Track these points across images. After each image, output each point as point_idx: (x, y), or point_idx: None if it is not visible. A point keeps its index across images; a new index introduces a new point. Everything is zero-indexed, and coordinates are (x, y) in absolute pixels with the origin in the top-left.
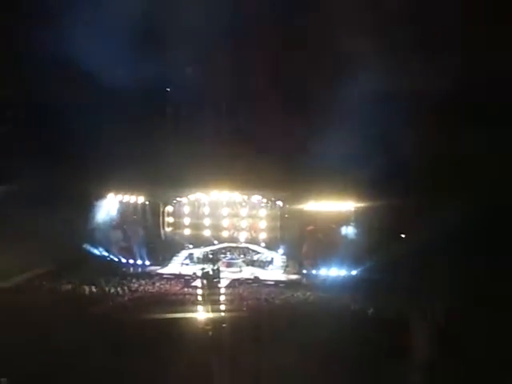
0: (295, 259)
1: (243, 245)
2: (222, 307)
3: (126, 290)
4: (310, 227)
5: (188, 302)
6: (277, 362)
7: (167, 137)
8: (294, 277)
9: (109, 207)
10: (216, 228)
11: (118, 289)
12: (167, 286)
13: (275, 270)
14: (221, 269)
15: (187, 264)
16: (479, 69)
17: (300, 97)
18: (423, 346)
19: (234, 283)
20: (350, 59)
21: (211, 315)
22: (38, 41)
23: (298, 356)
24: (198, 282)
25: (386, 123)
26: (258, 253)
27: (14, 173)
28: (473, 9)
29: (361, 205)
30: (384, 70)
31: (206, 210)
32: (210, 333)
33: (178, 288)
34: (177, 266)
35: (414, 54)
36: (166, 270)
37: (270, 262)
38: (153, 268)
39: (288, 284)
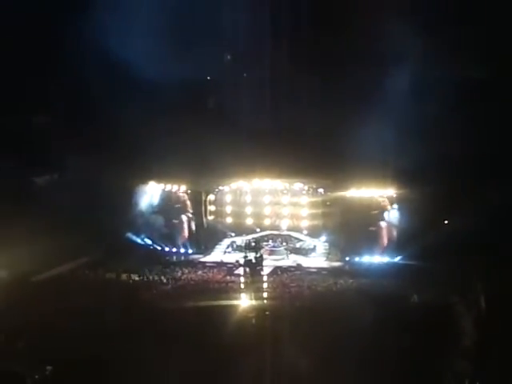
0: (337, 246)
1: (285, 232)
2: (265, 295)
3: (170, 279)
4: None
5: (231, 290)
6: (320, 349)
7: (209, 126)
8: (337, 264)
9: (152, 196)
10: (258, 216)
11: (162, 277)
12: (210, 274)
13: (318, 257)
14: (263, 256)
15: (229, 252)
16: None
17: (341, 87)
18: (466, 332)
19: (277, 271)
20: (392, 49)
21: (254, 303)
22: (80, 33)
23: (342, 343)
24: (240, 270)
25: (427, 112)
26: (301, 240)
27: (58, 162)
28: None
29: (402, 191)
30: (424, 60)
31: (248, 198)
32: (254, 320)
33: (220, 276)
34: (219, 254)
35: (455, 47)
36: (209, 259)
37: (313, 250)
38: (195, 256)
39: (331, 271)
